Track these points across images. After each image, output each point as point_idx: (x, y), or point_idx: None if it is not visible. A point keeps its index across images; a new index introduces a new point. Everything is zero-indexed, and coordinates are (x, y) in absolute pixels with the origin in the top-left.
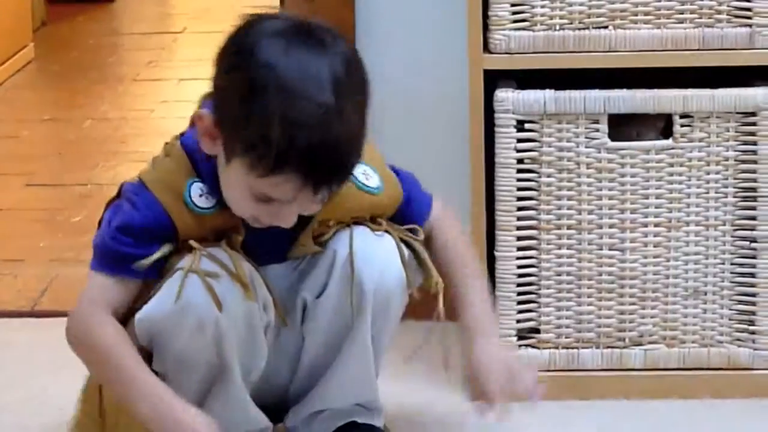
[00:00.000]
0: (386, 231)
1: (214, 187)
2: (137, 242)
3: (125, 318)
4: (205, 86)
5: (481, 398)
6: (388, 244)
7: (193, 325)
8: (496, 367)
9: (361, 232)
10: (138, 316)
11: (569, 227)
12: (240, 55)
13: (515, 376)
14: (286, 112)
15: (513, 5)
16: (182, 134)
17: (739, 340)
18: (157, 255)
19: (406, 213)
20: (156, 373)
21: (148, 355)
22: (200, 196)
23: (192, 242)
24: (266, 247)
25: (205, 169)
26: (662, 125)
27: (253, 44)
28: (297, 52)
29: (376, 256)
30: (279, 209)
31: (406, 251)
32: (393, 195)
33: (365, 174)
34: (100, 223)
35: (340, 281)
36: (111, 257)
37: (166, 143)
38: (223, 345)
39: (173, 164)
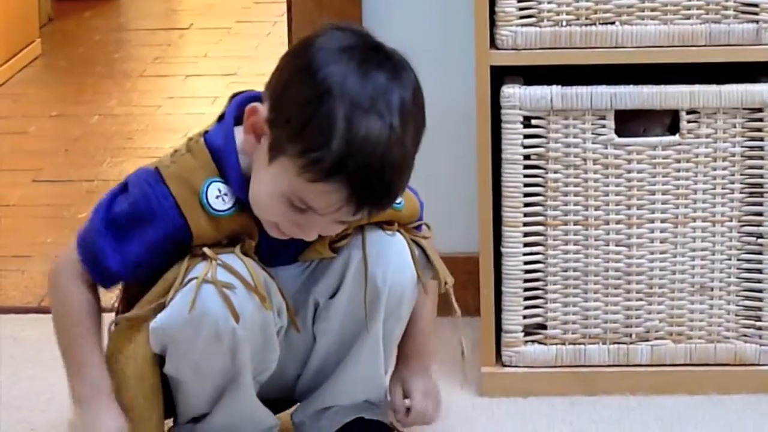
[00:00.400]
0: (399, 230)
1: (237, 187)
2: (126, 236)
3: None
4: (213, 83)
5: (396, 411)
6: (399, 243)
7: (209, 336)
8: (424, 386)
9: (373, 233)
10: (152, 324)
11: (576, 223)
12: (312, 60)
13: (426, 402)
14: (352, 123)
15: (520, 1)
16: (206, 131)
17: (745, 335)
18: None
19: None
20: (167, 376)
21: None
22: (217, 197)
23: (205, 249)
24: (277, 249)
25: (230, 170)
26: (669, 121)
27: (328, 52)
28: (372, 69)
29: (389, 255)
30: (307, 220)
31: (416, 250)
32: (412, 209)
33: None
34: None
35: (354, 281)
36: (90, 252)
37: (189, 139)
38: (239, 354)
39: (194, 161)
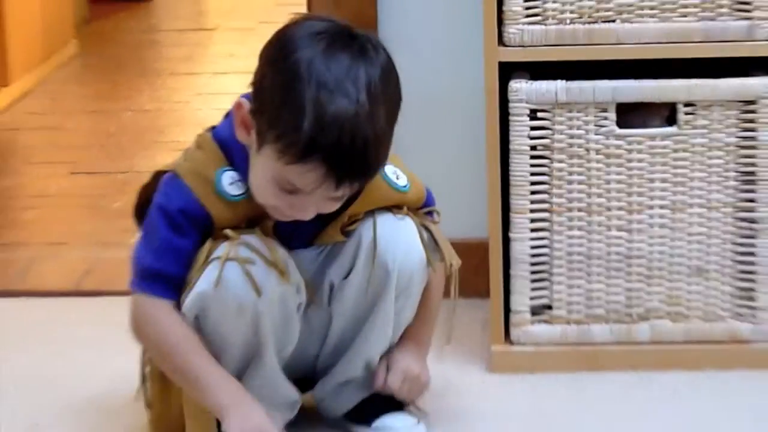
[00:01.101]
0: (407, 214)
1: (246, 175)
2: (177, 231)
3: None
4: (237, 80)
5: (381, 384)
6: (409, 226)
7: (233, 309)
8: (405, 366)
9: (384, 217)
10: (185, 302)
11: (579, 210)
12: (282, 49)
13: (410, 381)
14: (319, 104)
15: (526, 0)
16: (214, 127)
17: (739, 315)
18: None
19: (424, 206)
20: None
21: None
22: (231, 184)
23: (228, 231)
24: (294, 233)
25: (238, 159)
26: (667, 113)
27: (297, 40)
28: (338, 52)
29: (399, 238)
30: (300, 201)
31: (425, 233)
32: (418, 193)
33: (396, 174)
34: (140, 212)
35: (366, 263)
36: (155, 277)
37: (198, 135)
38: (261, 326)
39: (204, 155)
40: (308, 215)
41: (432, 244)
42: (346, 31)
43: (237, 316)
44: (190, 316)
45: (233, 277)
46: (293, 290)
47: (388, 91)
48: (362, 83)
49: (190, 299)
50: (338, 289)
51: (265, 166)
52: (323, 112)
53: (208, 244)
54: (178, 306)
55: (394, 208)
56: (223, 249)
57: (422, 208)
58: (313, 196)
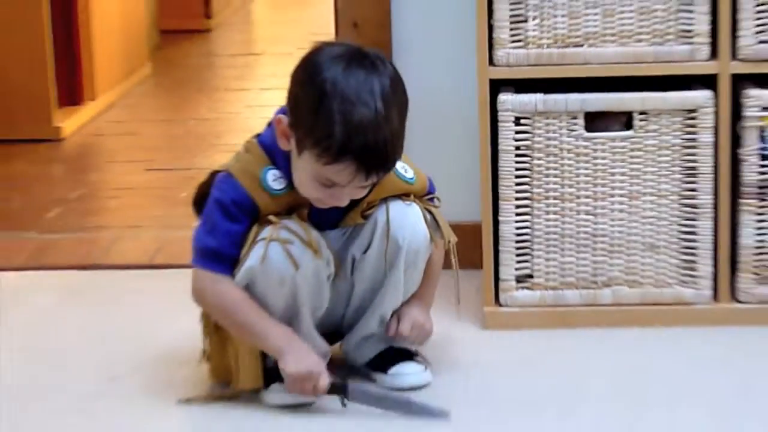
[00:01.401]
0: (414, 201)
1: (286, 173)
2: (231, 218)
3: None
4: (279, 94)
5: (393, 332)
6: (415, 210)
7: (276, 281)
8: (413, 317)
9: (395, 203)
10: (236, 275)
11: (555, 198)
12: (310, 73)
13: (417, 328)
14: (346, 115)
15: (511, 29)
16: (259, 134)
17: (683, 282)
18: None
19: (427, 194)
20: None
21: None
22: (274, 180)
23: (270, 217)
24: (324, 218)
25: (280, 160)
26: (625, 120)
27: (321, 64)
28: (355, 71)
29: (407, 220)
30: (337, 192)
31: (428, 216)
32: (422, 184)
33: (404, 168)
34: (199, 205)
35: (381, 240)
36: (213, 256)
37: (246, 141)
38: (298, 294)
39: (251, 157)
40: (344, 202)
41: (434, 224)
42: (358, 52)
43: (279, 286)
44: (241, 286)
45: (276, 254)
46: (324, 264)
47: (397, 96)
48: (377, 92)
49: (241, 273)
50: (359, 262)
51: (306, 167)
52: (350, 120)
53: (255, 228)
54: (231, 278)
55: (403, 195)
56: (267, 231)
57: (426, 196)
58: (348, 188)
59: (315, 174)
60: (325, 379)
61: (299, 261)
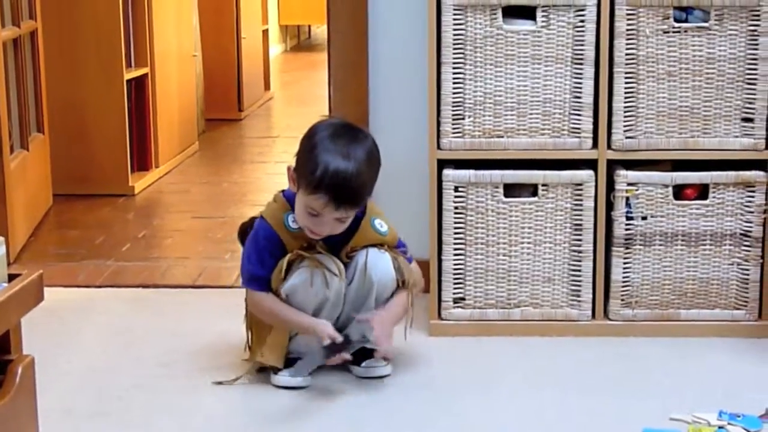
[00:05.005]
0: (386, 251)
1: None
2: (263, 250)
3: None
4: (289, 164)
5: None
6: (386, 258)
7: (313, 294)
8: (381, 324)
9: (372, 250)
10: (283, 287)
11: (481, 243)
12: (309, 135)
13: (383, 333)
14: (326, 163)
15: (453, 124)
16: (284, 190)
17: (572, 305)
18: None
19: (397, 248)
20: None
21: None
22: (292, 222)
23: (303, 252)
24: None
25: (294, 206)
26: (532, 189)
27: (317, 130)
28: (339, 136)
29: (380, 264)
30: (319, 220)
31: (396, 263)
32: (393, 237)
33: (380, 224)
34: (241, 237)
35: (360, 277)
36: (252, 279)
37: (275, 194)
38: (325, 305)
39: (277, 205)
40: (325, 231)
41: (400, 270)
42: (346, 125)
43: (314, 297)
44: (283, 295)
45: (317, 277)
46: (344, 285)
47: (369, 160)
48: (352, 155)
49: (286, 287)
50: (346, 291)
51: (300, 200)
52: (327, 166)
53: (286, 258)
54: (265, 291)
55: (378, 245)
56: (309, 261)
57: (397, 247)
58: (326, 217)
59: (304, 203)
60: (333, 331)
61: (330, 283)
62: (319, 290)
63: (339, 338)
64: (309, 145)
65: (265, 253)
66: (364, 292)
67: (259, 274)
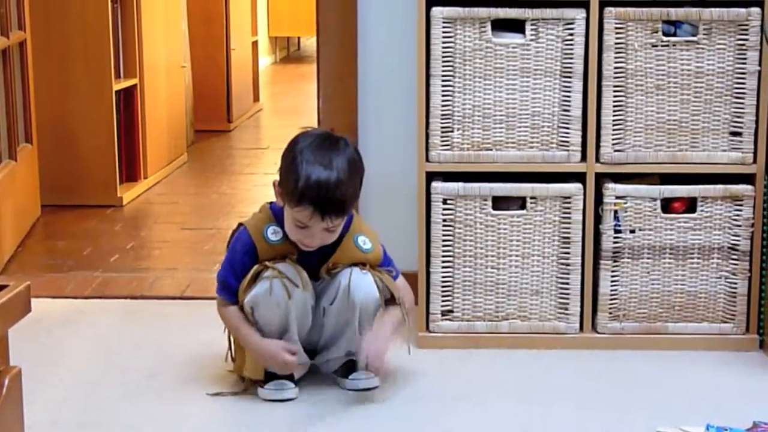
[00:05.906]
0: (369, 271)
1: (283, 228)
2: (234, 267)
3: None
4: (277, 177)
5: (363, 365)
6: (369, 278)
7: (275, 304)
8: (373, 347)
9: (355, 270)
10: (245, 299)
11: (470, 256)
12: (290, 147)
13: (377, 354)
14: (307, 174)
15: (442, 137)
16: (272, 202)
17: (559, 318)
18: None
19: (382, 266)
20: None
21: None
22: (272, 233)
23: (267, 263)
24: (305, 263)
25: (279, 219)
26: (521, 202)
27: (298, 141)
28: (320, 147)
29: (363, 284)
30: (308, 232)
31: (380, 283)
32: (377, 255)
33: (364, 241)
34: (229, 244)
35: (342, 298)
36: (224, 288)
37: (262, 204)
38: (289, 317)
39: (261, 216)
40: (315, 243)
41: (385, 289)
42: (327, 136)
43: (276, 308)
44: (248, 308)
45: (277, 287)
46: (309, 295)
47: (351, 168)
48: (333, 164)
49: (249, 298)
50: (327, 311)
51: (287, 214)
52: (309, 177)
53: (254, 268)
54: (236, 303)
55: (361, 264)
56: (269, 272)
57: (382, 266)
58: (314, 229)
59: (291, 217)
60: (290, 358)
61: (291, 292)
62: (280, 300)
63: (294, 361)
64: (290, 157)
65: (238, 263)
66: (348, 314)
67: (230, 283)
